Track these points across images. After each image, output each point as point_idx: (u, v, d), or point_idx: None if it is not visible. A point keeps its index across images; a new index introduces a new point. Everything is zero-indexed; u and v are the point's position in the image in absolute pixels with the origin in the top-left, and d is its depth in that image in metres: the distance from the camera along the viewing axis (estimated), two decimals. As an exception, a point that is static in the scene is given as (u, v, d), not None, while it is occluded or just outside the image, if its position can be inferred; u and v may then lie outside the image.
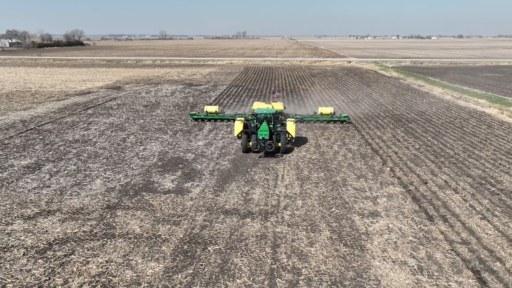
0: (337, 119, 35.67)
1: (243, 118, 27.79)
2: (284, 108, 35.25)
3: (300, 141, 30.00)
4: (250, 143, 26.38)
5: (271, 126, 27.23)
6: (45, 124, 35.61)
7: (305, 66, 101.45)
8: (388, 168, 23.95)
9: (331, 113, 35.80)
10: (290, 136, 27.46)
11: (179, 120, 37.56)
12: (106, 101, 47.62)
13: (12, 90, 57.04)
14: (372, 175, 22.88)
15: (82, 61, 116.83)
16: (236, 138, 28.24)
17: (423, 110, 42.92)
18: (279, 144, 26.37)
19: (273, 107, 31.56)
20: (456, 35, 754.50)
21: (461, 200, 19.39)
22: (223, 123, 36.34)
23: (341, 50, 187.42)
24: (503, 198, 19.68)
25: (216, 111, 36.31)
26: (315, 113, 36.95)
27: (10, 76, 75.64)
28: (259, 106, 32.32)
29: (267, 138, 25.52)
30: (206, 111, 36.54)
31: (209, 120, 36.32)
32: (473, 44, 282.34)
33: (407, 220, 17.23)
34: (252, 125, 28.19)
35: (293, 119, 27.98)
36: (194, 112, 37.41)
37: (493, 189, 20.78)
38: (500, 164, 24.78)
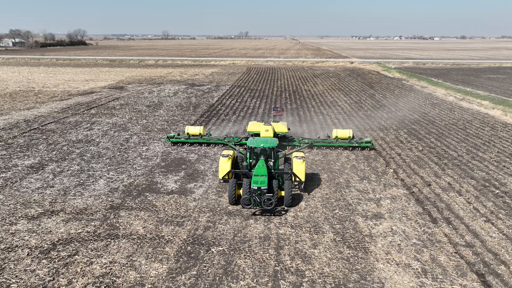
0: (356, 145, 28.16)
1: (231, 153, 20.54)
2: (289, 129, 29.48)
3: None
4: (241, 191, 18.53)
5: (271, 163, 19.79)
6: (48, 124, 35.71)
7: (308, 67, 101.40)
8: (392, 170, 23.92)
9: (349, 137, 28.44)
10: (298, 179, 19.71)
11: (181, 120, 37.58)
12: (109, 101, 47.71)
13: (16, 89, 57.21)
14: (376, 176, 22.84)
15: (85, 60, 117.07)
16: (222, 181, 20.34)
17: (426, 111, 42.82)
18: (282, 193, 18.71)
19: (273, 129, 26.79)
20: (458, 36, 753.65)
21: (465, 202, 19.35)
22: (224, 123, 36.34)
23: (344, 51, 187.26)
24: (507, 200, 19.63)
25: (200, 133, 28.99)
26: (329, 136, 29.79)
27: (13, 76, 75.85)
28: (255, 128, 27.21)
29: (265, 187, 17.65)
30: (188, 133, 29.19)
31: (191, 144, 29.03)
32: (476, 45, 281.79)
33: (411, 223, 17.20)
34: (245, 163, 19.54)
35: (302, 154, 20.72)
36: (172, 134, 29.67)
37: (497, 191, 20.72)
38: (504, 166, 24.71)
